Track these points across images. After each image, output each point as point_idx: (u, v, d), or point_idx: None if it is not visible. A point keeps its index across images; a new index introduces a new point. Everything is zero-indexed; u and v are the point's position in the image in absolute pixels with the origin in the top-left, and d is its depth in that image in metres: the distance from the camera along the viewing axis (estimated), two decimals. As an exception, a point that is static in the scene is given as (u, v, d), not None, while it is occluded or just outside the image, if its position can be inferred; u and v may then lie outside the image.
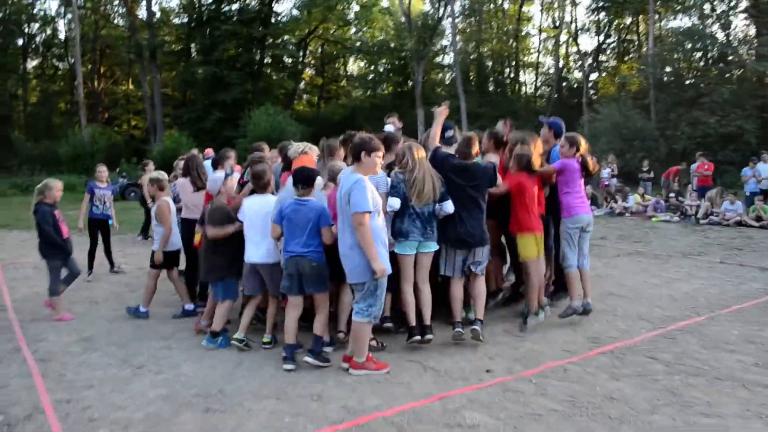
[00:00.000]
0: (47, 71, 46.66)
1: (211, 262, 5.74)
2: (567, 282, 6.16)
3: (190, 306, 6.67)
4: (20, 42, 43.26)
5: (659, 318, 6.36)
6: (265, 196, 5.54)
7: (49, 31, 45.31)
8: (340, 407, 4.24)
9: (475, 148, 5.82)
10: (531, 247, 5.89)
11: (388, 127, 8.00)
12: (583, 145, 6.17)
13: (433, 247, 5.44)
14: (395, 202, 5.29)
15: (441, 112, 6.02)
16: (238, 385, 4.69)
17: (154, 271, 6.71)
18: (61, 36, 45.50)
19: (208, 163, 8.03)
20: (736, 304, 6.83)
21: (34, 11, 43.31)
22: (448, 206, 5.42)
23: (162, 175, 7.01)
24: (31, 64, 46.35)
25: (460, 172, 5.59)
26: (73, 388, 4.67)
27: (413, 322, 5.36)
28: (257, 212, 5.43)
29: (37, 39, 45.07)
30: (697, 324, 6.10)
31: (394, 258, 5.28)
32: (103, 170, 9.50)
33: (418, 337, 5.32)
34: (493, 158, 6.24)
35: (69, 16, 40.85)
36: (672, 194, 17.06)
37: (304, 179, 5.05)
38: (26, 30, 43.50)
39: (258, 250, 5.41)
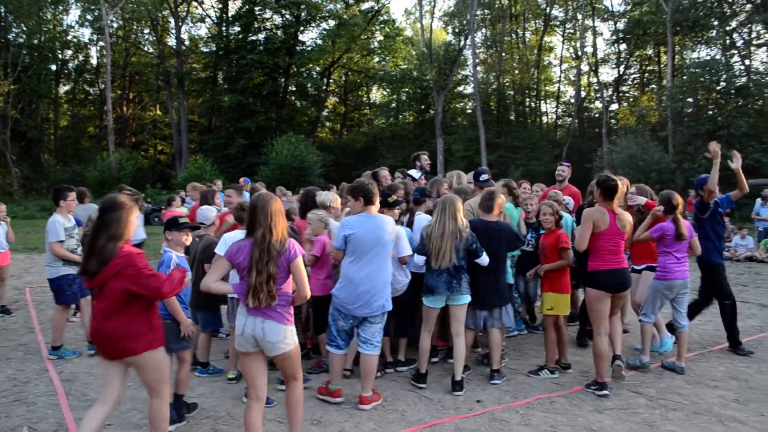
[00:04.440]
0: (78, 96, 48.04)
1: (196, 295, 5.60)
2: (642, 333, 6.25)
3: None
4: (53, 67, 44.68)
5: (651, 353, 6.60)
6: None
7: (81, 58, 46.78)
8: (337, 430, 4.60)
9: (499, 201, 5.82)
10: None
11: (413, 172, 8.38)
12: (680, 203, 6.11)
13: (465, 299, 5.48)
14: (420, 260, 5.50)
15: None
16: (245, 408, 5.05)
17: None
18: (93, 62, 47.03)
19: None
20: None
21: (68, 38, 44.82)
22: (483, 260, 5.47)
23: None
24: (63, 89, 47.77)
25: (481, 232, 5.57)
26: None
27: (423, 369, 5.55)
28: None
29: (70, 65, 46.53)
30: (686, 360, 6.34)
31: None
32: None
33: (423, 386, 5.51)
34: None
35: (101, 43, 42.28)
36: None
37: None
38: (59, 56, 44.99)
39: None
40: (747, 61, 31.22)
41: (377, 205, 5.27)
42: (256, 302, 3.68)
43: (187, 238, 4.89)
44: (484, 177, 6.65)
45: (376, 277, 5.00)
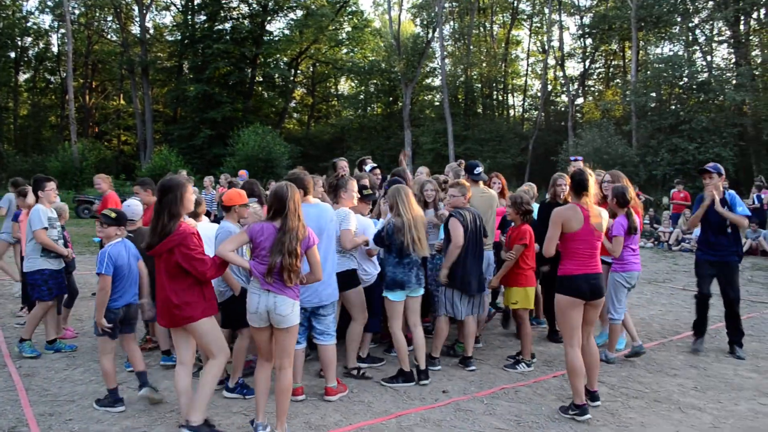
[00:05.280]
0: (38, 84, 46.85)
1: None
2: (610, 331, 6.26)
3: None
4: (12, 55, 43.43)
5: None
6: (204, 223, 5.72)
7: (41, 45, 45.55)
8: (303, 422, 4.60)
9: (468, 193, 5.86)
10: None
11: (369, 167, 8.41)
12: (632, 197, 6.04)
13: (422, 291, 5.56)
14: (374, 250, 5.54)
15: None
16: (211, 400, 5.01)
17: None
18: (54, 50, 45.85)
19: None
20: (688, 330, 7.15)
21: (28, 24, 43.59)
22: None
23: None
24: (23, 77, 46.54)
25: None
26: (55, 402, 4.99)
27: (408, 367, 5.46)
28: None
29: (30, 52, 45.30)
30: (647, 349, 6.47)
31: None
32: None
33: (413, 383, 5.42)
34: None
35: (62, 30, 41.25)
36: (647, 221, 17.53)
37: (123, 219, 5.09)
38: (19, 43, 43.76)
39: None
40: (708, 57, 31.88)
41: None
42: (288, 281, 4.12)
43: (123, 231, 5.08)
44: (478, 170, 6.66)
45: (323, 266, 4.89)
